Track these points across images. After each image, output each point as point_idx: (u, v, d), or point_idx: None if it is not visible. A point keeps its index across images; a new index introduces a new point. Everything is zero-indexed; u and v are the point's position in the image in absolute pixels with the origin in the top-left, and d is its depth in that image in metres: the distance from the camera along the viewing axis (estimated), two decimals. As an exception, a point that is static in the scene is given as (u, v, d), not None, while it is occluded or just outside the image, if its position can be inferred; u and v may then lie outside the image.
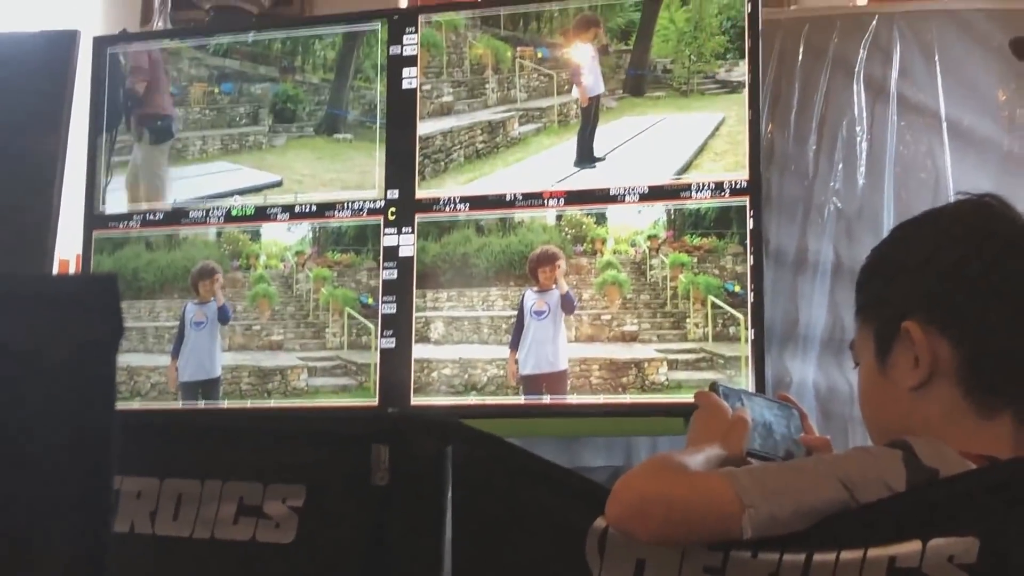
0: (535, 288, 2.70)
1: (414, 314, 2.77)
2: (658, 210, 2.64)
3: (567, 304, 2.66)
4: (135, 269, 2.97)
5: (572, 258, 2.68)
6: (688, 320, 2.59)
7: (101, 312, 0.65)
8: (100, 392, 0.64)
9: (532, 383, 2.67)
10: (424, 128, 2.83)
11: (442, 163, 2.80)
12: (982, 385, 1.36)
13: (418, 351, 2.75)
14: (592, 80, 2.72)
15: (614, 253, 2.65)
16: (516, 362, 2.67)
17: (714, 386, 1.58)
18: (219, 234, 2.96)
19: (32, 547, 0.64)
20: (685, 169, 2.64)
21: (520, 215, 2.73)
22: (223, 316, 2.91)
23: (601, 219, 2.68)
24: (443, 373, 2.73)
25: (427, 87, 2.83)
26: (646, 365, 2.60)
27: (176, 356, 2.91)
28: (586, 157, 2.71)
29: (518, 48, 2.79)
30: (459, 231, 2.76)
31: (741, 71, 2.61)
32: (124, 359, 2.91)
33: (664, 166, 2.66)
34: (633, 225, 2.66)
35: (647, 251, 2.64)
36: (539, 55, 2.76)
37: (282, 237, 2.92)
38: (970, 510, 1.18)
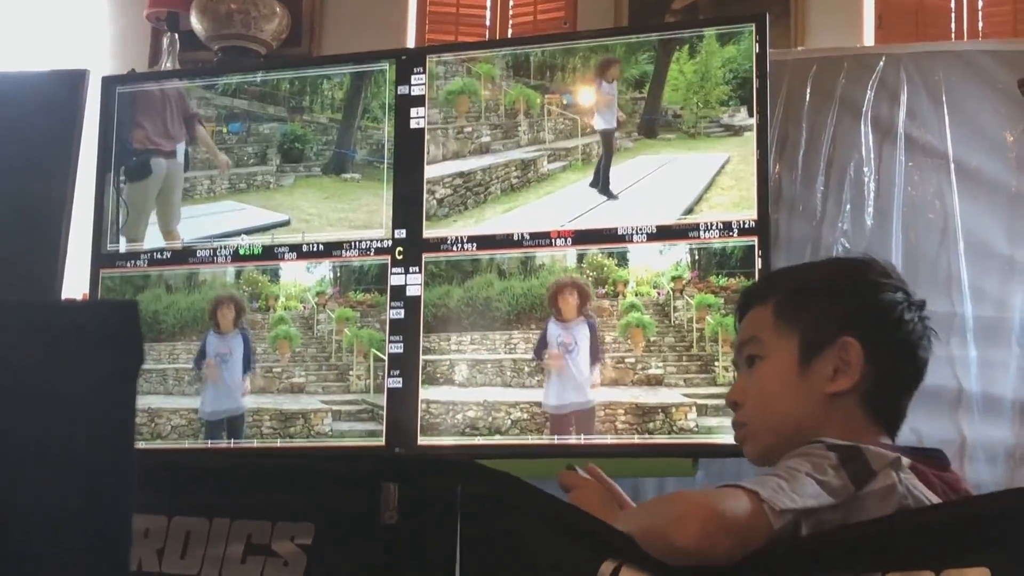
0: (559, 319, 2.70)
1: (421, 356, 2.77)
2: (681, 250, 2.65)
3: (594, 334, 2.66)
4: (155, 311, 2.96)
5: (594, 300, 2.69)
6: (717, 363, 2.59)
7: (121, 339, 0.64)
8: (120, 419, 0.63)
9: (560, 422, 2.66)
10: (468, 164, 2.87)
11: (482, 195, 2.85)
12: (877, 404, 1.54)
13: (431, 393, 2.75)
14: (600, 116, 2.81)
15: (636, 295, 2.66)
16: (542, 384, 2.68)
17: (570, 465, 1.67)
18: (238, 275, 2.95)
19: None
20: (697, 202, 2.67)
21: (541, 258, 2.74)
22: (247, 357, 2.90)
23: (622, 260, 2.69)
24: (463, 415, 2.72)
25: (468, 128, 2.89)
26: (674, 410, 2.60)
27: (198, 365, 2.91)
28: (600, 186, 2.78)
29: (546, 95, 2.86)
30: (481, 275, 2.76)
31: (743, 116, 2.70)
32: (144, 401, 2.90)
33: (676, 200, 2.70)
34: (655, 266, 2.67)
35: (671, 292, 2.65)
36: (564, 101, 2.86)
37: (301, 278, 2.91)
38: (982, 541, 1.17)
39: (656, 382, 2.62)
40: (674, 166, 2.74)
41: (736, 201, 2.64)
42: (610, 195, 2.76)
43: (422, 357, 2.77)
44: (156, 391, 2.91)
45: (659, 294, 2.66)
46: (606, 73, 2.82)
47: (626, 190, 2.76)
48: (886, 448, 1.45)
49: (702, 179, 2.69)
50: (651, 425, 2.60)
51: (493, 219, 2.82)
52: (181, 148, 3.08)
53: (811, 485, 1.30)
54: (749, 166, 2.66)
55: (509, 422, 2.70)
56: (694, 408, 2.58)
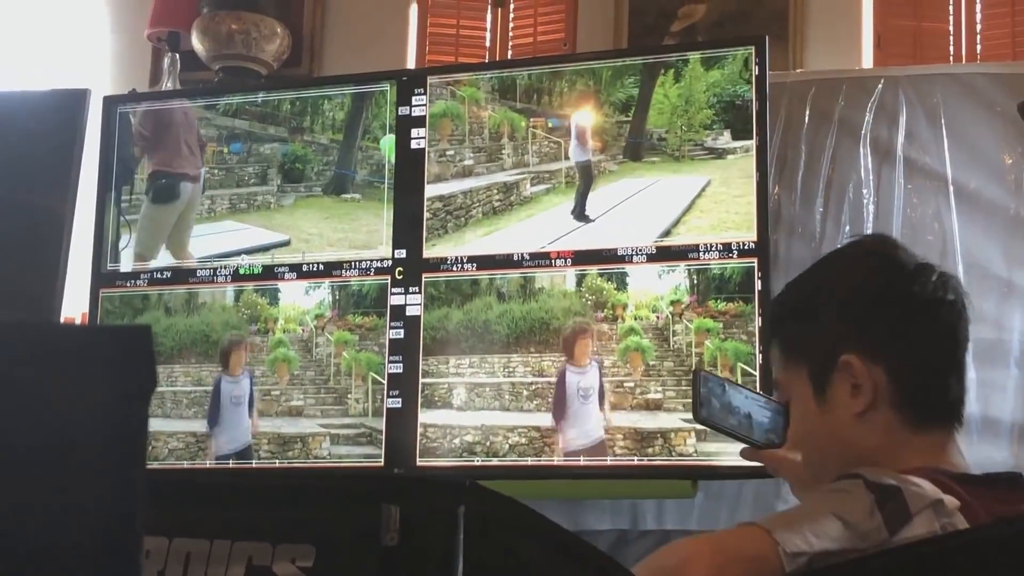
0: (574, 366, 2.69)
1: (420, 377, 2.77)
2: (680, 274, 2.65)
3: (601, 375, 2.66)
4: (154, 335, 2.95)
5: (594, 324, 2.69)
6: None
7: (136, 363, 0.64)
8: (132, 443, 0.63)
9: (572, 457, 2.67)
10: (447, 188, 2.86)
11: (463, 219, 2.84)
12: (914, 402, 1.46)
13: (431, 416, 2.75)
14: (575, 148, 2.83)
15: (635, 319, 2.66)
16: (558, 432, 2.67)
17: (696, 374, 1.60)
18: (237, 297, 2.95)
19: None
20: (675, 225, 2.68)
21: (540, 281, 2.74)
22: (251, 396, 2.90)
23: (622, 284, 2.69)
24: (462, 439, 2.72)
25: (451, 152, 2.88)
26: (673, 435, 2.59)
27: (213, 425, 2.90)
28: (578, 214, 2.79)
29: (531, 119, 2.86)
30: (480, 298, 2.76)
31: (726, 139, 2.71)
32: None
33: (654, 222, 2.71)
34: (654, 290, 2.67)
35: (670, 316, 2.65)
36: (549, 124, 2.86)
37: (300, 300, 2.92)
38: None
39: (655, 407, 2.62)
40: (656, 189, 2.75)
41: (715, 223, 2.66)
42: (586, 219, 2.77)
43: (421, 380, 2.76)
44: (154, 414, 2.91)
45: (658, 318, 2.66)
46: (580, 106, 2.83)
47: (605, 214, 2.76)
48: (937, 474, 1.37)
49: (682, 202, 2.71)
50: (650, 450, 2.59)
51: (473, 242, 2.82)
52: (203, 171, 3.08)
53: (834, 526, 1.26)
54: (731, 189, 2.68)
55: (507, 446, 2.70)
56: (692, 434, 2.57)
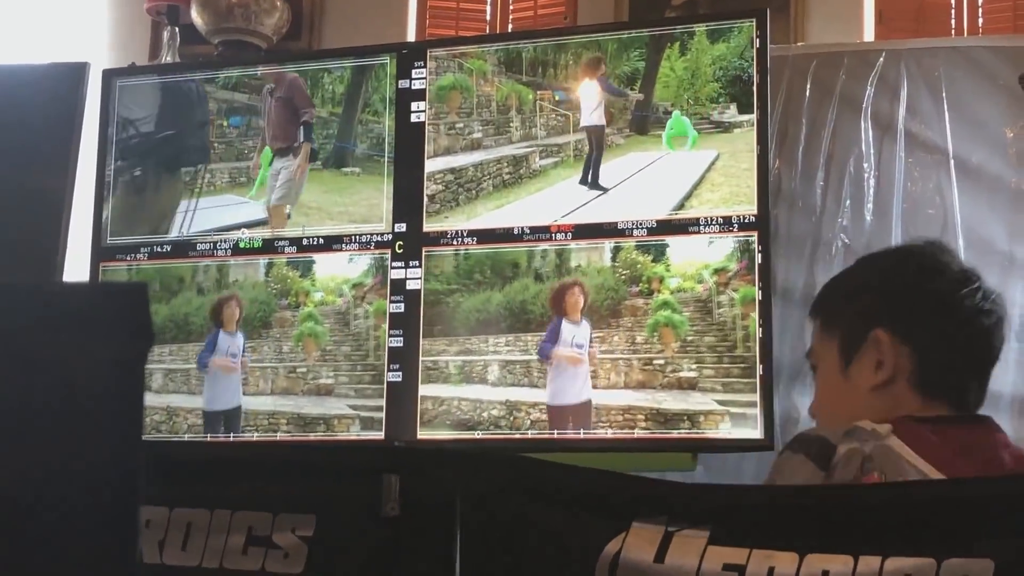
0: (570, 319, 2.68)
1: (421, 349, 2.76)
2: (729, 241, 2.62)
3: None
4: (186, 314, 2.93)
5: (628, 299, 2.66)
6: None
7: (130, 322, 0.64)
8: (129, 402, 0.63)
9: (560, 416, 2.65)
10: (458, 160, 2.85)
11: (473, 191, 2.83)
12: (928, 381, 1.57)
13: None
14: (588, 113, 2.80)
15: (673, 292, 2.61)
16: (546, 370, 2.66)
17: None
18: (268, 271, 2.91)
19: (56, 567, 0.63)
20: (687, 198, 2.66)
21: (576, 259, 2.71)
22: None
23: (660, 255, 2.66)
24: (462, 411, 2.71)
25: (460, 124, 2.87)
26: (702, 419, 2.54)
27: (203, 368, 2.88)
28: (590, 182, 2.76)
29: (538, 92, 2.85)
30: (520, 280, 2.73)
31: (732, 113, 2.69)
32: (166, 400, 2.89)
33: (667, 195, 2.69)
34: (700, 258, 2.62)
35: (714, 287, 2.60)
36: (556, 97, 2.85)
37: (340, 270, 2.88)
38: (986, 532, 1.17)
39: (689, 385, 2.55)
40: (665, 162, 2.73)
41: (726, 197, 2.64)
42: (601, 188, 2.75)
43: (422, 358, 2.76)
44: (180, 391, 2.90)
45: (703, 288, 2.60)
46: (592, 71, 2.81)
47: (617, 186, 2.74)
48: (901, 418, 1.48)
49: (692, 175, 2.69)
50: (675, 434, 2.54)
51: (485, 215, 2.81)
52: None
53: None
54: (740, 162, 2.66)
55: (510, 421, 2.69)
56: (727, 418, 2.51)
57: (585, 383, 2.64)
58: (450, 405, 2.73)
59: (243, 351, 2.88)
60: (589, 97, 2.81)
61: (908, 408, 1.55)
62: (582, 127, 2.80)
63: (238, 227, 2.99)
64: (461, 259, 2.78)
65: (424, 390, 2.74)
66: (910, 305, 1.61)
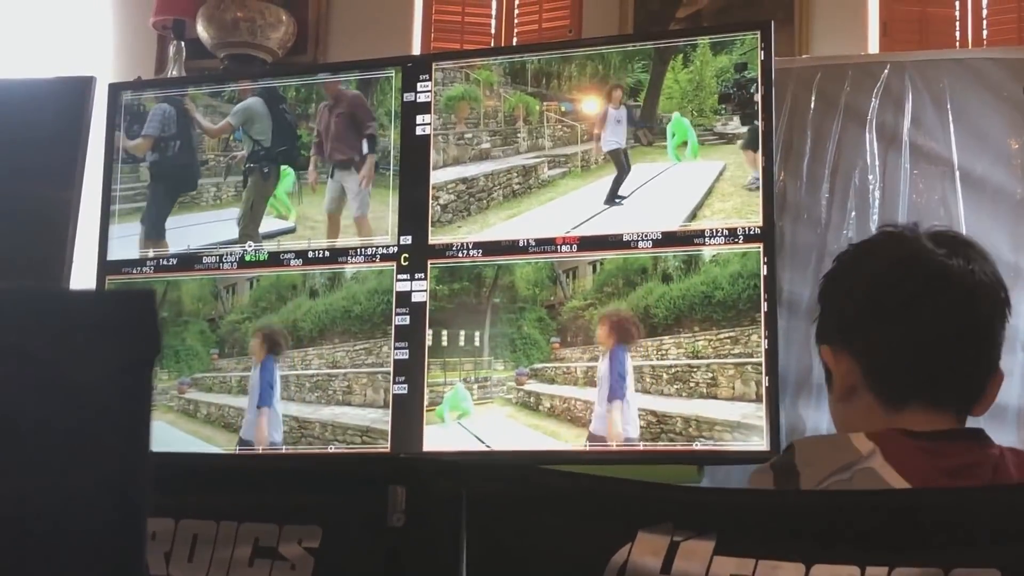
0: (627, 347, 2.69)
1: (426, 361, 2.77)
2: (735, 252, 2.63)
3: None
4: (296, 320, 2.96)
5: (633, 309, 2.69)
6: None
7: (137, 329, 0.64)
8: (136, 410, 0.63)
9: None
10: (467, 171, 2.86)
11: (485, 201, 2.86)
12: (883, 385, 1.53)
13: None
14: (609, 135, 2.82)
15: (677, 300, 2.66)
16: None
17: None
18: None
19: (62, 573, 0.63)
20: (699, 208, 2.68)
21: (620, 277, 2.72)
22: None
23: (666, 265, 2.68)
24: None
25: (469, 135, 2.88)
26: (708, 430, 2.58)
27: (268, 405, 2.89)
28: (610, 200, 2.79)
29: (544, 103, 2.86)
30: (578, 299, 2.73)
31: (736, 124, 2.71)
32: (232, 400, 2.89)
33: (678, 207, 2.71)
34: (707, 268, 2.66)
35: (719, 296, 2.64)
36: (563, 108, 2.87)
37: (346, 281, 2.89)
38: (992, 541, 1.17)
39: (697, 396, 2.60)
40: (672, 174, 2.75)
41: (738, 207, 2.64)
42: (619, 198, 2.76)
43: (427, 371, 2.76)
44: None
45: (707, 298, 2.64)
46: (611, 98, 2.83)
47: (630, 196, 2.76)
48: (888, 432, 1.47)
49: (701, 186, 2.70)
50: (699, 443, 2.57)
51: (497, 225, 2.82)
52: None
53: None
54: (746, 173, 2.67)
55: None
56: (733, 429, 2.55)
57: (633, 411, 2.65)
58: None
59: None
60: (614, 122, 2.82)
61: (878, 414, 1.52)
62: (606, 152, 2.80)
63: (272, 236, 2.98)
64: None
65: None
66: (840, 312, 1.59)
